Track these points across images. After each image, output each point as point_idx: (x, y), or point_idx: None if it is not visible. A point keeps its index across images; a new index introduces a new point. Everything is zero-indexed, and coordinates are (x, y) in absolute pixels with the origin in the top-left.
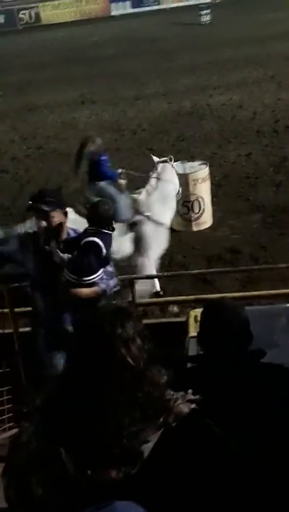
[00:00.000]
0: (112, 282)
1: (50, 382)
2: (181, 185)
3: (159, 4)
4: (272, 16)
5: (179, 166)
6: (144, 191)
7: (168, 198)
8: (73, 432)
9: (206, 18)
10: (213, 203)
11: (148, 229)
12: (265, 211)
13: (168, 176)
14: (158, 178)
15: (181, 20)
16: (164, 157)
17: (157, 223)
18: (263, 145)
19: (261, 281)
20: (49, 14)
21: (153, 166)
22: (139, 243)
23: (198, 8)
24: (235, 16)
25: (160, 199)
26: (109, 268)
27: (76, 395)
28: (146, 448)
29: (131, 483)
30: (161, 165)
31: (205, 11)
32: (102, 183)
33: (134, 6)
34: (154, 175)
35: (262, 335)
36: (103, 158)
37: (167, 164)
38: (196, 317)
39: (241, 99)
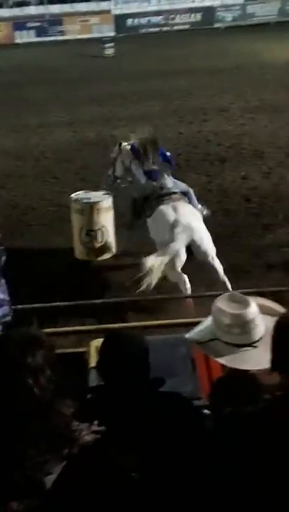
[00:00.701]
0: (1, 312)
1: None
2: (85, 214)
3: (63, 35)
4: (172, 52)
5: (82, 196)
6: None
7: None
8: None
9: (109, 51)
10: (117, 232)
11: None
12: None
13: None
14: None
15: (86, 52)
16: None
17: None
18: None
19: (163, 311)
20: None
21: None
22: None
23: (101, 41)
24: (138, 51)
25: None
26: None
27: None
28: (49, 480)
29: None
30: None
31: (108, 44)
32: None
33: (38, 35)
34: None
35: (162, 365)
36: None
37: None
38: (96, 347)
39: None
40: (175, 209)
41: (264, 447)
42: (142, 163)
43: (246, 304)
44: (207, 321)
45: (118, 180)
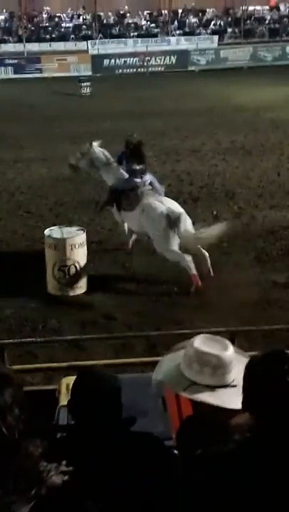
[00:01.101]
0: None
1: None
2: (58, 250)
3: (41, 72)
4: (147, 93)
5: (56, 231)
6: None
7: None
8: None
9: (86, 90)
10: (89, 268)
11: None
12: (140, 278)
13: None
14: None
15: (62, 90)
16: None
17: None
18: None
19: (134, 349)
20: None
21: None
22: None
23: (78, 80)
24: (114, 91)
25: None
26: None
27: None
28: None
29: None
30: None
31: (85, 84)
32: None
33: (16, 72)
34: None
35: (133, 403)
36: None
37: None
38: (67, 385)
39: None
40: (162, 202)
41: (233, 489)
42: (127, 162)
43: (225, 346)
44: (168, 361)
45: (77, 171)
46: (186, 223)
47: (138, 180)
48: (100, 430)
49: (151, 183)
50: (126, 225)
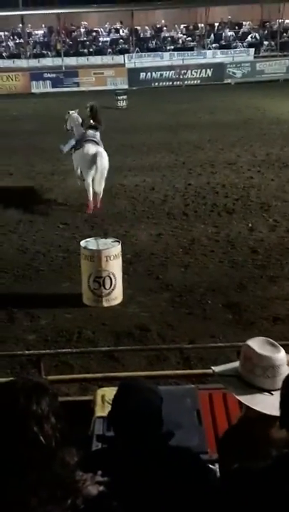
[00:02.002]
0: None
1: None
2: (94, 261)
3: (78, 86)
4: (182, 106)
5: (92, 243)
6: None
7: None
8: None
9: (122, 103)
10: (124, 279)
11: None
12: (174, 291)
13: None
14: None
15: (99, 104)
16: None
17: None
18: (173, 226)
19: (168, 361)
20: None
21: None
22: None
23: (115, 93)
24: (150, 104)
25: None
26: None
27: None
28: None
29: None
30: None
31: (121, 97)
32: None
33: (54, 86)
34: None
35: (167, 416)
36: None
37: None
38: (103, 396)
39: (154, 182)
40: (95, 147)
41: (268, 506)
42: (82, 124)
43: (277, 350)
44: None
45: (68, 131)
46: (103, 163)
47: (90, 132)
48: (139, 443)
49: (97, 137)
50: (77, 167)
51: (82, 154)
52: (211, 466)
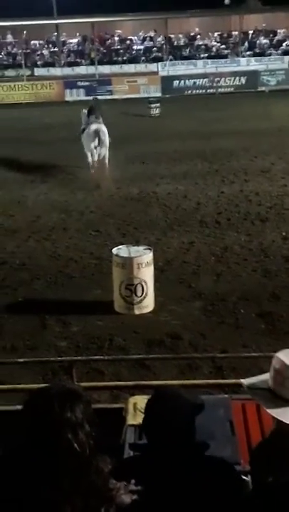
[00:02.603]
0: None
1: None
2: (125, 268)
3: (111, 94)
4: (216, 114)
5: (124, 250)
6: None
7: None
8: None
9: (155, 111)
10: (156, 287)
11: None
12: (206, 299)
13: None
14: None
15: (132, 111)
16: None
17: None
18: (205, 235)
19: (199, 370)
20: (3, 94)
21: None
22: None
23: (148, 101)
24: (183, 112)
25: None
26: None
27: (15, 479)
28: None
29: None
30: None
31: (154, 105)
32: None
33: (87, 94)
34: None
35: (200, 426)
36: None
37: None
38: (135, 404)
39: (186, 190)
40: (96, 125)
41: None
42: (89, 115)
43: None
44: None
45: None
46: (104, 137)
47: (92, 117)
48: (174, 452)
49: (98, 120)
50: (91, 145)
51: (87, 132)
52: (243, 477)
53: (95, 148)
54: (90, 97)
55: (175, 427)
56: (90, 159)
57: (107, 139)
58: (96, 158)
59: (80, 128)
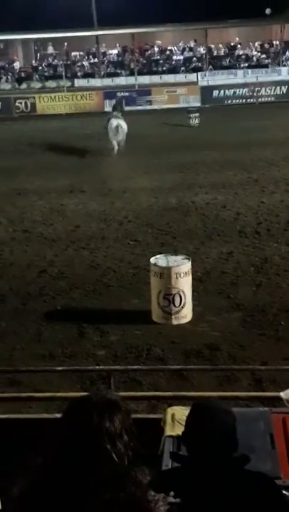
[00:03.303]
0: None
1: (28, 474)
2: (163, 278)
3: (151, 105)
4: (256, 123)
5: (162, 259)
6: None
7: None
8: None
9: (194, 121)
10: (194, 297)
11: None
12: (245, 310)
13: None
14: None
15: (171, 121)
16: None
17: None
18: (245, 245)
19: (239, 382)
20: (44, 105)
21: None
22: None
23: (187, 111)
24: (222, 121)
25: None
26: None
27: (55, 490)
28: None
29: None
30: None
31: (194, 114)
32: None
33: (126, 104)
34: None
35: (240, 438)
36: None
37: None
38: (173, 415)
39: (225, 200)
40: (117, 120)
41: None
42: (113, 111)
43: None
44: None
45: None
46: (122, 130)
47: (114, 113)
48: (214, 465)
49: (119, 115)
50: (113, 137)
51: (110, 126)
52: (284, 491)
53: (116, 139)
54: (130, 108)
55: (217, 439)
56: (113, 144)
57: (125, 131)
58: (117, 146)
59: (106, 118)
